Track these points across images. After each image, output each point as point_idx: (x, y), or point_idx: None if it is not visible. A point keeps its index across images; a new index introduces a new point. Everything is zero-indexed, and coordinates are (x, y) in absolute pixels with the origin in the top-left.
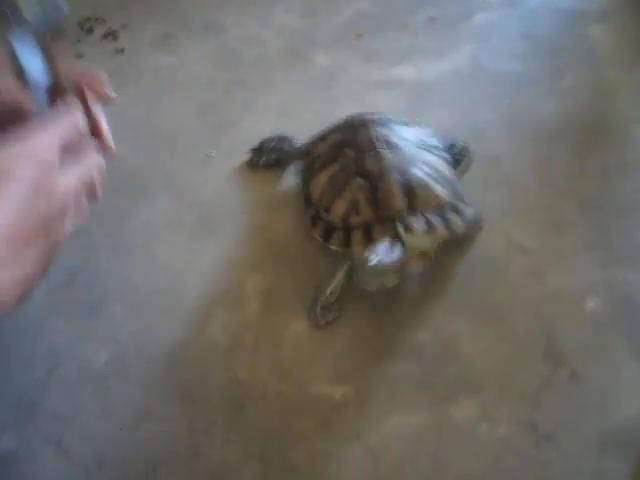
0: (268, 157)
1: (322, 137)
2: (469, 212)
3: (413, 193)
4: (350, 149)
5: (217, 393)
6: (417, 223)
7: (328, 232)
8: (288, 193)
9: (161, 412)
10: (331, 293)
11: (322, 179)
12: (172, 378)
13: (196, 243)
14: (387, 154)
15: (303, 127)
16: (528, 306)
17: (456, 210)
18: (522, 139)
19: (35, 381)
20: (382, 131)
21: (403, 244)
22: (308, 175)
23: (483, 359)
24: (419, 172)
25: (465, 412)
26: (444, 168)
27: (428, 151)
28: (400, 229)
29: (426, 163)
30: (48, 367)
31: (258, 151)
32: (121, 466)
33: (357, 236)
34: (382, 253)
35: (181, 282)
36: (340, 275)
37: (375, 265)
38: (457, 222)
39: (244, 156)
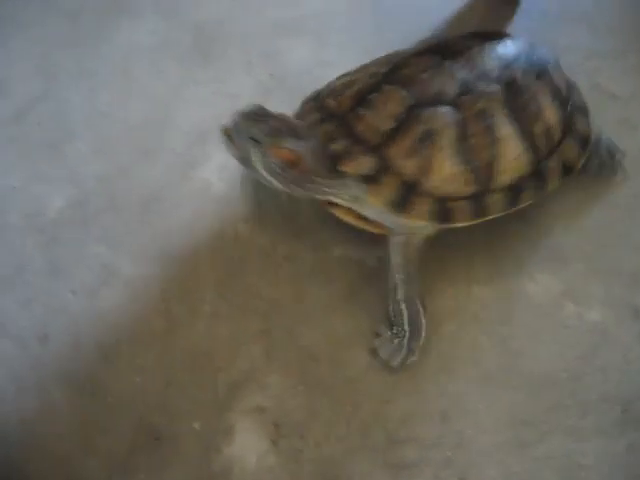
0: None
1: None
2: None
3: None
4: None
5: (207, 250)
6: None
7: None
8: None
9: (129, 273)
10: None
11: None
12: (148, 231)
13: (189, 70)
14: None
15: None
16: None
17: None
18: None
19: None
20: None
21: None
22: None
23: (567, 225)
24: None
25: (544, 289)
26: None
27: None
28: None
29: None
30: None
31: None
32: (71, 341)
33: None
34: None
35: (167, 115)
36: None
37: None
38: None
39: None
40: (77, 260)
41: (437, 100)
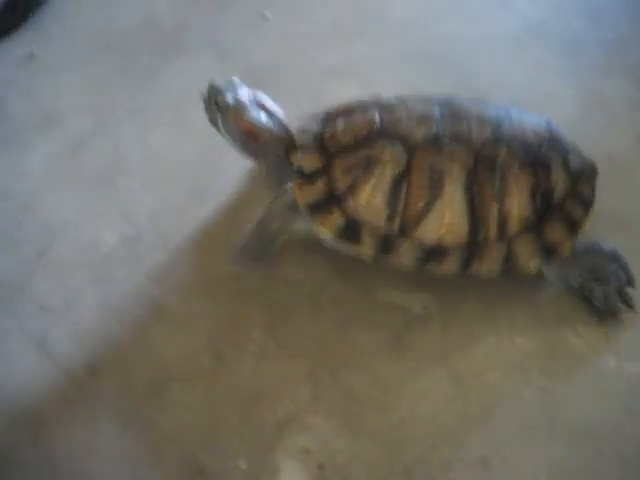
0: None
1: None
2: None
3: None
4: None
5: (256, 292)
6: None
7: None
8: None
9: (179, 310)
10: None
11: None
12: (197, 270)
13: None
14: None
15: None
16: None
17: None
18: None
19: (20, 262)
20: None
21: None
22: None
23: None
24: None
25: (586, 341)
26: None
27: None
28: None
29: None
30: (39, 247)
31: None
32: (120, 377)
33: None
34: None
35: (217, 156)
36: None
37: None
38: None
39: (307, 19)
40: (128, 295)
41: (397, 138)
